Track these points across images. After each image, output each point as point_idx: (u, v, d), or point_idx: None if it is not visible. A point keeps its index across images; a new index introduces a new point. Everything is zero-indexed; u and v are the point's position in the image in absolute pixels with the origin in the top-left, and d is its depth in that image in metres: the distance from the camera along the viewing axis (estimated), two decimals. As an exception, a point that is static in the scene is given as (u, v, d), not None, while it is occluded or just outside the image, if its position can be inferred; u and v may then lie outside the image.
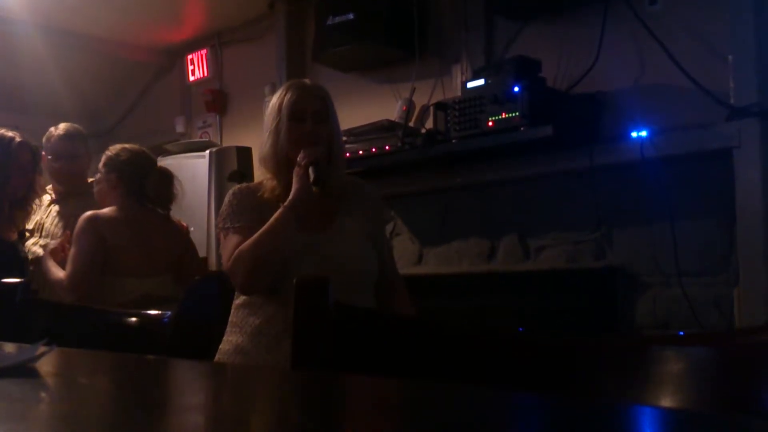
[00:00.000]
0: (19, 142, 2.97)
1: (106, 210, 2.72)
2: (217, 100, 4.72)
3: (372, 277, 2.11)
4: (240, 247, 1.96)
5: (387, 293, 2.15)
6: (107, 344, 1.24)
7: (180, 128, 4.94)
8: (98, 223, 2.65)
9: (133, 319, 1.39)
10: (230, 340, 2.02)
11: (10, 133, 2.97)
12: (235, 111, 4.70)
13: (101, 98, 5.23)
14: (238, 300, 2.06)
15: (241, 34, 4.61)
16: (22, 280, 1.52)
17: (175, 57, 5.05)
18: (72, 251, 2.65)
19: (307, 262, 1.97)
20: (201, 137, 4.76)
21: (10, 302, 1.43)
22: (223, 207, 2.08)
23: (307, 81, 2.22)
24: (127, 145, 2.88)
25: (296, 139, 2.04)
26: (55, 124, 3.34)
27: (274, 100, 2.12)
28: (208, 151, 4.11)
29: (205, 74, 4.83)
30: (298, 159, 1.99)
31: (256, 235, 1.95)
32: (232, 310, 2.07)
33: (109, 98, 5.32)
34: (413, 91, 3.50)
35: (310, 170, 1.97)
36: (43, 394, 0.71)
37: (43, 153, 3.23)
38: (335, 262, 2.01)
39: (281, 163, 2.06)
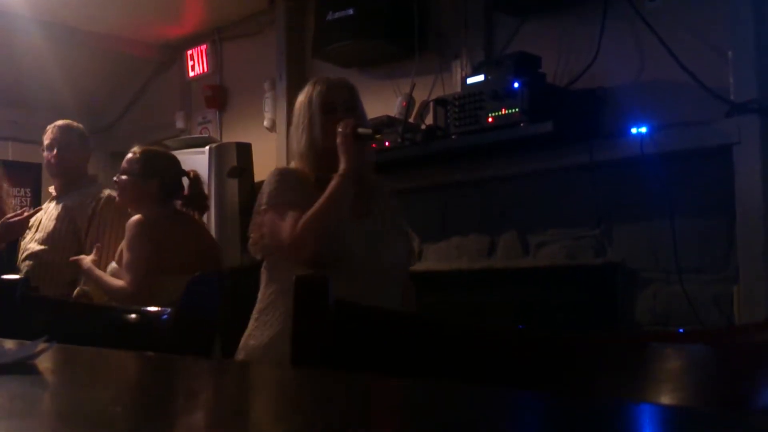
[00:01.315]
0: None
1: (149, 212, 2.73)
2: (216, 95, 4.71)
3: (406, 268, 2.21)
4: (304, 217, 1.97)
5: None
6: (107, 341, 1.24)
7: (180, 124, 4.94)
8: (149, 225, 2.68)
9: (133, 315, 1.39)
10: (266, 333, 2.02)
11: None
12: (235, 107, 4.70)
13: (101, 94, 5.23)
14: (273, 287, 2.07)
15: (240, 29, 4.61)
16: (22, 276, 1.52)
17: (174, 52, 5.05)
18: (128, 257, 2.67)
19: (354, 244, 2.02)
20: (201, 133, 4.76)
21: (10, 299, 1.43)
22: (270, 185, 2.10)
23: (331, 76, 2.29)
24: (157, 149, 2.96)
25: (330, 130, 2.08)
26: (55, 119, 3.37)
27: (302, 97, 2.17)
28: (207, 147, 4.11)
29: (205, 70, 4.83)
30: (339, 131, 2.03)
31: (317, 205, 1.97)
32: (265, 300, 2.08)
33: (109, 94, 5.31)
34: (413, 87, 3.50)
35: (361, 130, 2.03)
36: (42, 391, 0.71)
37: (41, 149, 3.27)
38: (378, 248, 2.08)
39: (318, 156, 2.11)
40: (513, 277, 3.14)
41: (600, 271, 2.87)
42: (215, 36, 4.75)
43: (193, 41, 4.88)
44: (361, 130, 2.05)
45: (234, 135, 4.53)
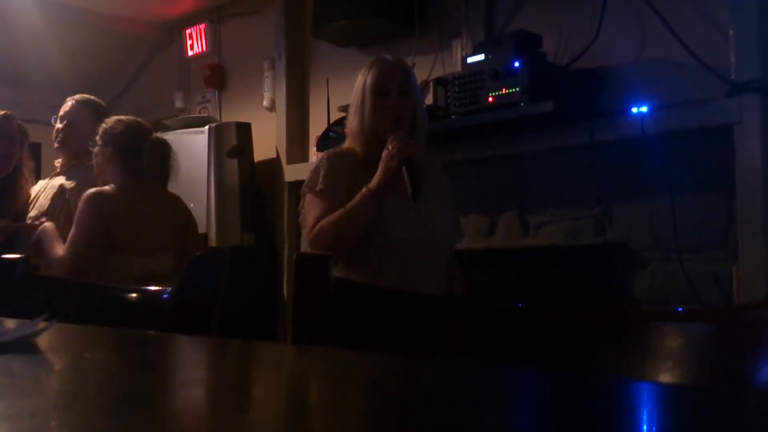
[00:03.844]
0: (6, 115, 3.03)
1: (107, 188, 2.68)
2: (215, 75, 4.69)
3: (451, 245, 2.30)
4: (321, 223, 2.08)
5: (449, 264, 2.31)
6: (107, 320, 1.25)
7: (179, 103, 4.92)
8: (100, 201, 2.62)
9: (134, 294, 1.39)
10: None
11: None
12: (234, 86, 4.68)
13: (100, 73, 5.21)
14: None
15: (239, 8, 4.58)
16: (23, 255, 1.52)
17: (173, 31, 5.02)
18: (73, 230, 2.62)
19: (402, 223, 2.11)
20: (200, 113, 4.75)
21: (10, 277, 1.43)
22: (317, 168, 2.18)
23: (389, 57, 2.31)
24: (122, 117, 2.83)
25: (381, 114, 2.15)
26: (54, 98, 3.37)
27: (359, 78, 2.24)
28: (207, 127, 4.10)
29: (204, 49, 4.80)
30: (388, 143, 2.08)
31: (337, 214, 2.07)
32: None
33: (108, 73, 5.29)
34: (413, 66, 3.48)
35: (405, 172, 2.06)
36: (43, 370, 0.71)
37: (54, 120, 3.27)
38: (427, 225, 2.16)
39: (368, 138, 2.18)
40: (512, 257, 3.14)
41: (599, 251, 2.88)
42: (214, 15, 4.72)
43: (191, 20, 4.85)
44: (404, 171, 2.05)
45: (233, 114, 4.52)
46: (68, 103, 3.25)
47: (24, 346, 0.76)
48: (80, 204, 2.64)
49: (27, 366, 0.69)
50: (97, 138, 2.77)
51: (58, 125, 3.22)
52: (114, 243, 2.61)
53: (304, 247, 3.93)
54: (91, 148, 2.82)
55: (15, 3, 4.27)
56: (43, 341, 0.80)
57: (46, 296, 1.46)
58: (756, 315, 0.82)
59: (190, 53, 4.89)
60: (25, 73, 4.84)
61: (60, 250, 2.65)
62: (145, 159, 2.71)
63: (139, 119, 2.86)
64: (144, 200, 2.72)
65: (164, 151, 2.80)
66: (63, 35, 4.62)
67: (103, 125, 2.78)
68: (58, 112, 3.26)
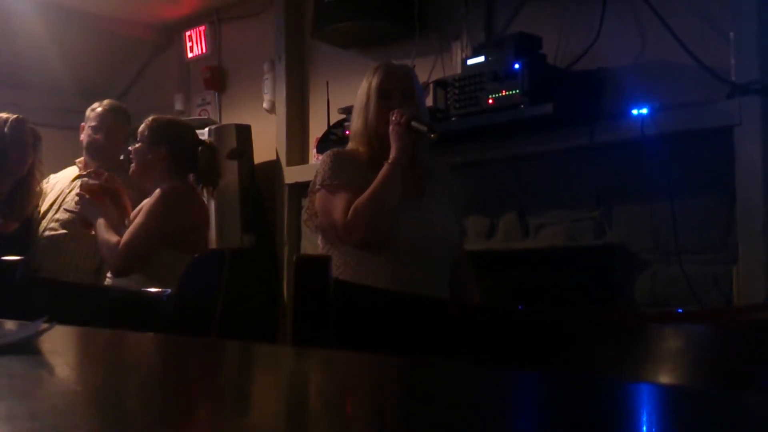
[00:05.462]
0: (19, 119, 3.02)
1: (178, 186, 2.66)
2: (215, 77, 4.69)
3: (455, 249, 2.34)
4: (356, 203, 2.11)
5: (456, 265, 2.36)
6: (107, 321, 1.25)
7: (179, 106, 4.92)
8: (175, 200, 2.62)
9: (133, 296, 1.39)
10: None
11: (6, 114, 3.04)
12: (234, 88, 4.68)
13: (99, 75, 5.20)
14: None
15: (239, 10, 4.58)
16: (23, 257, 1.52)
17: (173, 33, 5.01)
18: (140, 220, 2.59)
19: (408, 223, 2.16)
20: (200, 115, 4.74)
21: (10, 279, 1.43)
22: (325, 166, 2.22)
23: (393, 62, 2.42)
24: (171, 117, 2.87)
25: (384, 116, 2.21)
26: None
27: (364, 81, 2.32)
28: (207, 129, 4.09)
29: (204, 51, 4.80)
30: (393, 119, 2.16)
31: (369, 191, 2.11)
32: None
33: (108, 75, 5.29)
34: (413, 67, 3.48)
35: (415, 124, 2.14)
36: (43, 372, 0.71)
37: (82, 124, 3.25)
38: (431, 228, 2.22)
39: (371, 138, 2.25)
40: (512, 258, 3.14)
41: (599, 253, 2.88)
42: (214, 17, 4.72)
43: (191, 22, 4.84)
44: (414, 123, 2.14)
45: (233, 117, 4.52)
46: (97, 111, 3.21)
47: (24, 348, 0.76)
48: (155, 198, 2.61)
49: (27, 368, 0.69)
50: (142, 134, 2.72)
51: (95, 135, 3.18)
52: (184, 242, 2.61)
53: (305, 248, 3.93)
54: (130, 146, 2.77)
55: (14, 5, 4.27)
56: (43, 343, 0.80)
57: (46, 298, 1.46)
58: (756, 317, 0.82)
59: (190, 55, 4.88)
60: (25, 76, 4.84)
61: (112, 236, 2.62)
62: (202, 161, 2.74)
63: (184, 121, 2.95)
64: (194, 201, 2.74)
65: (216, 156, 2.84)
66: (62, 38, 4.62)
67: (151, 123, 2.73)
68: (89, 118, 3.21)
